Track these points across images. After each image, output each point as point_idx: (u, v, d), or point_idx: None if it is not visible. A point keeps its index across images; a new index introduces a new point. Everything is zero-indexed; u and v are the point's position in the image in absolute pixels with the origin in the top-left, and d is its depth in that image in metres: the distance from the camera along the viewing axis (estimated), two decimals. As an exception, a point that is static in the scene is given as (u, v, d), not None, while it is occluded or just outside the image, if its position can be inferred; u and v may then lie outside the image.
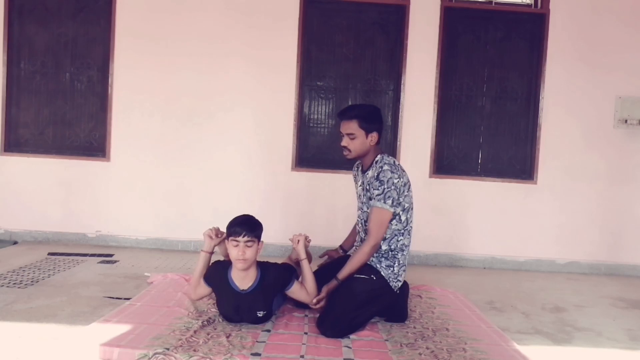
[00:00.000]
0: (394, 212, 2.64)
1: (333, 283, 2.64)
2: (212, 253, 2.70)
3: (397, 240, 2.70)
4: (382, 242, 2.69)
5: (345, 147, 2.73)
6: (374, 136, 2.72)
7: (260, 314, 2.58)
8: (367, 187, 2.71)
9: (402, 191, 2.66)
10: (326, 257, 3.11)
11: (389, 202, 2.61)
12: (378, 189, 2.62)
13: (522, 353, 2.42)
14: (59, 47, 4.69)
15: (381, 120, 2.81)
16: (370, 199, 2.67)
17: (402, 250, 2.72)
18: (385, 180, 2.62)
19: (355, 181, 2.96)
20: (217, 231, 2.72)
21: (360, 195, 2.85)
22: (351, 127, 2.70)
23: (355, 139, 2.70)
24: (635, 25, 4.64)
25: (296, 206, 4.65)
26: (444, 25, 4.65)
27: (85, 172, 4.67)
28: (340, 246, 3.14)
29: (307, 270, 2.67)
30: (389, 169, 2.65)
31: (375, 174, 2.66)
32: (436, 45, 4.63)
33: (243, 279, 2.55)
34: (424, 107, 4.65)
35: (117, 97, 4.64)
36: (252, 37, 4.61)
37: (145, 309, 2.75)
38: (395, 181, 2.63)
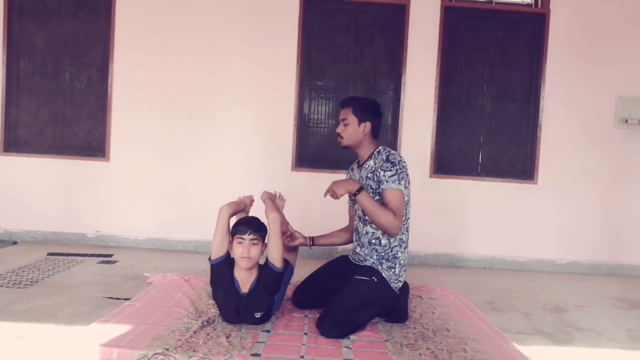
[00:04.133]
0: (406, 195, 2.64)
1: (353, 184, 2.58)
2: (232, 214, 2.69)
3: (397, 236, 2.70)
4: (381, 235, 2.69)
5: (339, 133, 2.80)
6: (366, 126, 2.74)
7: (257, 315, 2.57)
8: (370, 176, 2.69)
9: (408, 181, 2.67)
10: (294, 235, 2.92)
11: (403, 182, 2.61)
12: (391, 170, 2.61)
13: (523, 353, 2.41)
14: (59, 47, 4.68)
15: (377, 113, 2.82)
16: (378, 182, 2.65)
17: (401, 247, 2.71)
18: (397, 162, 2.63)
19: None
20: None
21: None
22: (346, 113, 2.77)
23: (348, 125, 2.75)
24: (636, 25, 4.63)
25: (296, 206, 4.62)
26: (444, 25, 4.64)
27: (85, 172, 4.67)
28: (312, 237, 2.97)
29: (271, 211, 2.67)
30: (397, 154, 2.70)
31: (384, 157, 2.66)
32: (436, 45, 4.63)
33: (245, 281, 2.55)
34: (424, 107, 4.65)
35: (117, 97, 4.64)
36: (252, 37, 4.61)
37: (145, 309, 2.75)
38: (404, 165, 2.66)
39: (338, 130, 2.80)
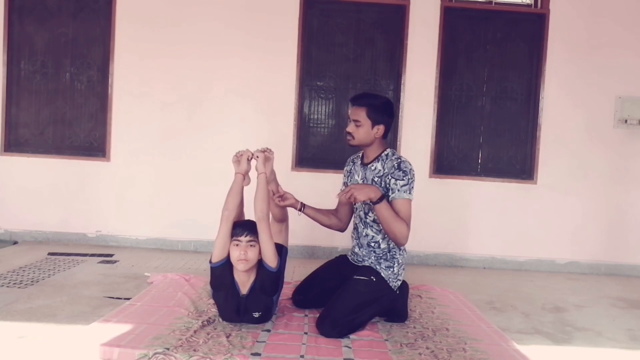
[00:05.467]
0: None
1: (376, 192, 2.52)
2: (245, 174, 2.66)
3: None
4: (381, 240, 2.70)
5: (349, 132, 2.72)
6: (380, 128, 2.69)
7: (256, 314, 2.58)
8: (377, 180, 2.66)
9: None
10: (285, 196, 2.81)
11: (413, 192, 2.62)
12: (403, 179, 2.59)
13: (522, 353, 2.42)
14: (59, 47, 4.69)
15: (391, 114, 2.77)
16: (387, 189, 2.62)
17: (400, 249, 2.72)
18: (408, 170, 2.62)
19: (350, 174, 2.90)
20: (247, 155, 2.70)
21: None
22: (359, 114, 2.68)
23: (361, 127, 2.68)
24: (635, 25, 4.64)
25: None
26: (444, 25, 4.65)
27: (85, 172, 4.67)
28: (304, 204, 2.86)
29: (262, 184, 2.60)
30: (407, 161, 2.67)
31: (396, 164, 2.63)
32: (436, 45, 4.63)
33: (245, 282, 2.55)
34: (424, 107, 4.65)
35: (117, 97, 4.64)
36: (252, 38, 4.61)
37: (145, 309, 2.76)
38: (414, 173, 2.65)
39: (349, 129, 2.71)
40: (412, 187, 2.62)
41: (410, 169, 2.64)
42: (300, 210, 2.84)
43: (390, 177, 2.62)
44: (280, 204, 2.78)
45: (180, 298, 2.98)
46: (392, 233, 2.57)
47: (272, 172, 2.76)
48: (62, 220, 4.68)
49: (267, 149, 2.71)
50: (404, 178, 2.60)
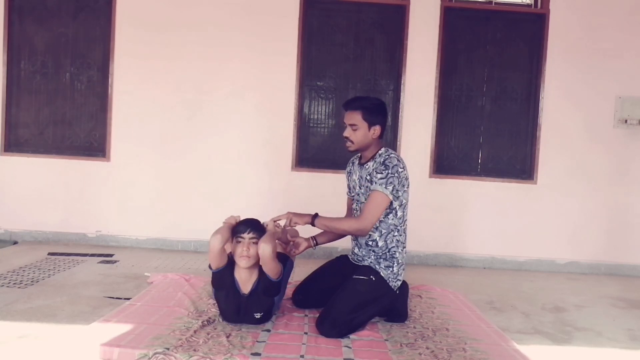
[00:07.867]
0: (392, 201, 2.65)
1: (307, 219, 2.74)
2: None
3: (393, 236, 2.71)
4: (378, 238, 2.70)
5: (347, 137, 2.74)
6: (376, 129, 2.72)
7: (257, 315, 2.58)
8: (368, 178, 2.70)
9: (403, 184, 2.67)
10: (296, 242, 2.88)
11: (390, 188, 2.61)
12: (382, 173, 2.62)
13: (522, 353, 2.42)
14: (59, 47, 4.69)
15: (385, 114, 2.81)
16: (372, 183, 2.66)
17: (398, 247, 2.72)
18: (391, 166, 2.63)
19: (349, 175, 2.94)
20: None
21: (355, 187, 2.84)
22: (355, 118, 2.71)
23: (358, 130, 2.71)
24: (635, 25, 4.64)
25: (296, 206, 4.61)
26: (444, 25, 4.65)
27: (85, 172, 4.68)
28: (314, 237, 2.93)
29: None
30: (396, 157, 2.68)
31: (381, 160, 2.67)
32: (436, 45, 4.63)
33: (246, 282, 2.55)
34: (424, 107, 4.65)
35: (117, 97, 4.64)
36: (252, 38, 4.61)
37: (145, 309, 2.76)
38: (400, 170, 2.65)
39: (346, 134, 2.74)
40: (391, 183, 2.61)
41: (394, 165, 2.64)
42: (314, 247, 2.94)
43: (375, 172, 2.66)
44: (296, 253, 2.87)
45: (180, 298, 2.98)
46: (346, 232, 2.78)
47: (277, 230, 2.74)
48: (62, 220, 4.68)
49: (277, 224, 2.71)
50: (383, 172, 2.62)
